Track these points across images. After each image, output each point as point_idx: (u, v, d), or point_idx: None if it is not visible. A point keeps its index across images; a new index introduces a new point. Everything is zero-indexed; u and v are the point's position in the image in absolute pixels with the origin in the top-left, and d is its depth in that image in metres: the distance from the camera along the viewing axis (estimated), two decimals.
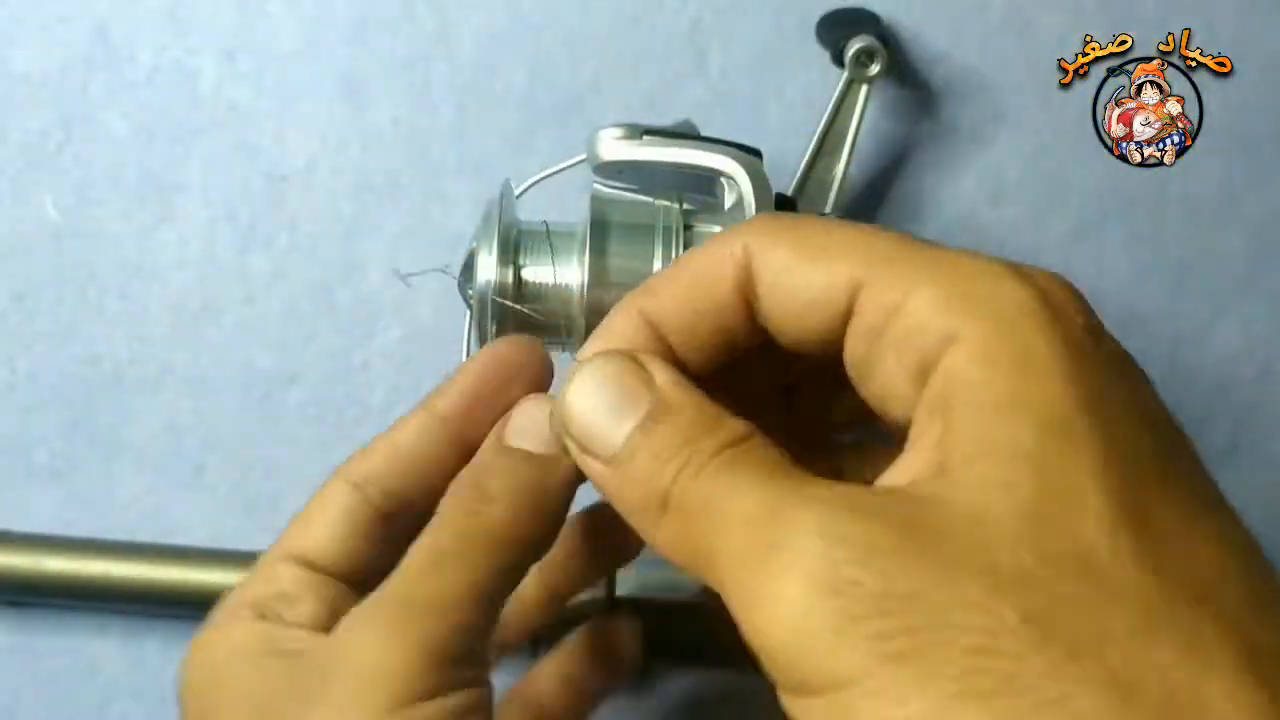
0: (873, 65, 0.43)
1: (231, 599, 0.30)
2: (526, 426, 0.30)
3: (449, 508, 0.29)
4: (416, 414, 0.32)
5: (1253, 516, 0.49)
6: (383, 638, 0.27)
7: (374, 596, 0.28)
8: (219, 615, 0.30)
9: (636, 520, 0.26)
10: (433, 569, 0.28)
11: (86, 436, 0.49)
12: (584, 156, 0.40)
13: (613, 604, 0.44)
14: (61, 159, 0.49)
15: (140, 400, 0.49)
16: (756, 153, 0.39)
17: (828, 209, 0.44)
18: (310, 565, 0.30)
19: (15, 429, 0.49)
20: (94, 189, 0.49)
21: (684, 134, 0.39)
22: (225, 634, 0.29)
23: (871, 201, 0.49)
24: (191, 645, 0.30)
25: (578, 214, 0.39)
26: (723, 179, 0.39)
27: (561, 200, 0.47)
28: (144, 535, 0.48)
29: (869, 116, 0.45)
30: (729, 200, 0.39)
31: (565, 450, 0.28)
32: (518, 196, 0.41)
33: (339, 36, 0.49)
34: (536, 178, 0.42)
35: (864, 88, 0.44)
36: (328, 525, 0.31)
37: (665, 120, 0.41)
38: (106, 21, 0.49)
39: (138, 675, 0.48)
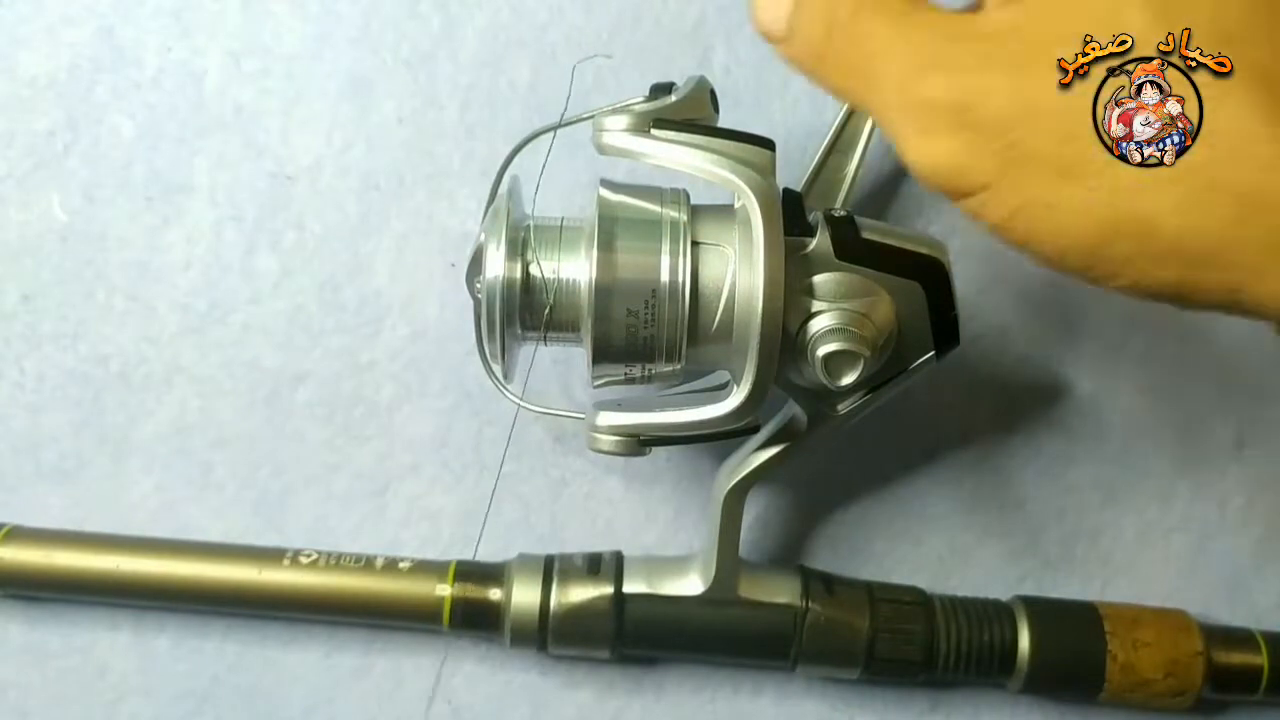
0: None
1: None
2: None
3: None
4: None
5: (1261, 507, 0.50)
6: None
7: None
8: None
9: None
10: None
11: (95, 436, 0.49)
12: (594, 112, 0.40)
13: (619, 596, 0.45)
14: (69, 160, 0.49)
15: (148, 399, 0.49)
16: (769, 144, 0.39)
17: (838, 205, 0.44)
18: None
19: (25, 428, 0.49)
20: (101, 190, 0.49)
21: (695, 127, 0.38)
22: None
23: (881, 198, 0.49)
24: None
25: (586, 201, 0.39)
26: None
27: (570, 196, 0.47)
28: (153, 533, 0.48)
29: None
30: (738, 200, 0.38)
31: None
32: (515, 164, 0.40)
33: (344, 36, 0.49)
34: (541, 129, 0.42)
35: None
36: None
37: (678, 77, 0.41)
38: (112, 23, 0.49)
39: (148, 674, 0.48)
